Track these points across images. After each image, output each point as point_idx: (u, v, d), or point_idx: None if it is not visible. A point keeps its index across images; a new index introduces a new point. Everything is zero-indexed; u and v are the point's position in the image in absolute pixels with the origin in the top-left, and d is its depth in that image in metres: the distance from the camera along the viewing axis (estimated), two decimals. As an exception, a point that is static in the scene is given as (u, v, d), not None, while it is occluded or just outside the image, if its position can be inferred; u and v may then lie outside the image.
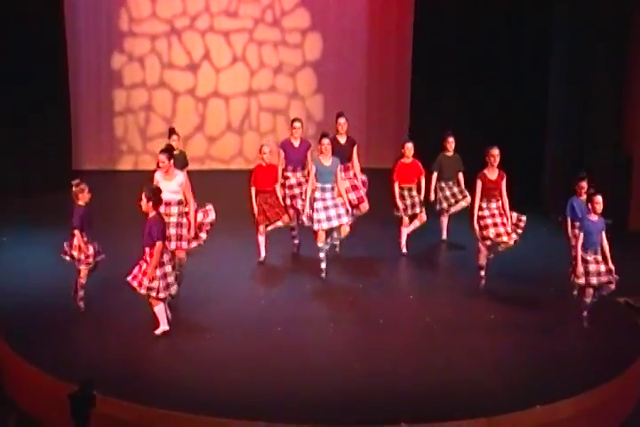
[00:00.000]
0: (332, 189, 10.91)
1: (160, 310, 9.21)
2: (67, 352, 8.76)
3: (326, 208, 10.78)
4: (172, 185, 9.92)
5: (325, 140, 10.97)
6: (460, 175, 12.72)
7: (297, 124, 11.78)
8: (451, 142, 12.67)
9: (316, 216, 10.78)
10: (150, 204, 9.10)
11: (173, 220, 9.92)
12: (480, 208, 10.52)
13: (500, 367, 8.76)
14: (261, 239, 11.61)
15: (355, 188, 11.72)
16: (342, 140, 11.76)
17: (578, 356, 8.99)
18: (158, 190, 9.33)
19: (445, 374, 8.47)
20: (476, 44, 15.74)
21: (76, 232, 9.63)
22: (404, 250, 12.19)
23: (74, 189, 9.72)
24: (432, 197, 12.57)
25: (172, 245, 9.84)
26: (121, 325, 9.43)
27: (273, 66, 17.64)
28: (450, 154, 12.68)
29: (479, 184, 10.55)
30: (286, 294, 10.62)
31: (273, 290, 10.81)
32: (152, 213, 9.13)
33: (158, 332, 9.22)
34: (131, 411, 7.70)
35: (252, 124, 17.70)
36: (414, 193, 12.14)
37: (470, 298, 10.36)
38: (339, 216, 10.81)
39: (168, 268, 9.18)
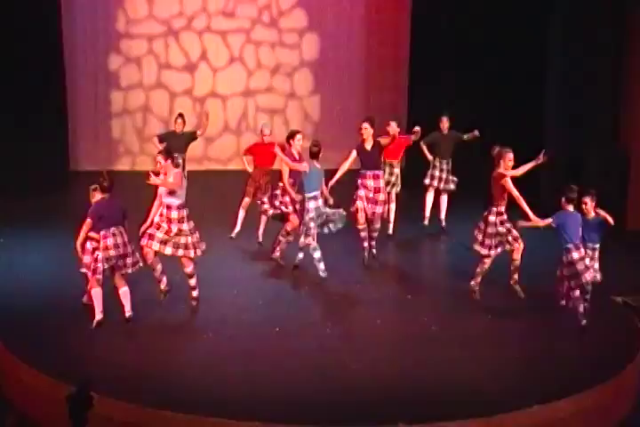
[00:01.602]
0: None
1: (96, 294, 9.20)
2: (64, 353, 8.74)
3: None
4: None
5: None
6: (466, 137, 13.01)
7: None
8: (444, 122, 12.99)
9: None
10: (94, 190, 9.23)
11: (174, 227, 9.54)
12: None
13: (498, 367, 8.75)
14: (241, 213, 12.32)
15: (383, 202, 11.36)
16: (368, 146, 11.29)
17: (575, 355, 8.97)
18: (108, 176, 9.32)
19: (443, 375, 8.46)
20: (474, 43, 15.77)
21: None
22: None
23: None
24: (429, 157, 13.01)
25: (180, 253, 9.59)
26: (118, 325, 9.40)
27: (270, 66, 17.65)
28: (444, 132, 12.89)
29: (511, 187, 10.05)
30: (284, 295, 10.61)
31: (271, 290, 10.78)
32: (96, 198, 9.24)
33: (94, 325, 9.19)
34: (128, 411, 7.69)
35: (250, 124, 17.69)
36: (395, 170, 12.51)
37: (468, 298, 10.35)
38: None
39: (112, 252, 9.16)
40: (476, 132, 12.87)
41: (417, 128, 12.05)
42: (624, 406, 8.75)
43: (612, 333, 9.52)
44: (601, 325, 9.61)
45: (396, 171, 12.65)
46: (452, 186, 13.06)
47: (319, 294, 10.68)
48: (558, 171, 14.43)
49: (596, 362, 8.80)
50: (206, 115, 13.21)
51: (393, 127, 12.41)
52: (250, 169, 12.42)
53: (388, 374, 8.46)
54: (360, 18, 17.61)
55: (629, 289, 10.67)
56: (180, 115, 13.19)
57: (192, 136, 13.09)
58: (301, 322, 9.79)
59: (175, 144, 12.58)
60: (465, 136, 13.00)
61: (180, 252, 9.61)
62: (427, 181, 13.02)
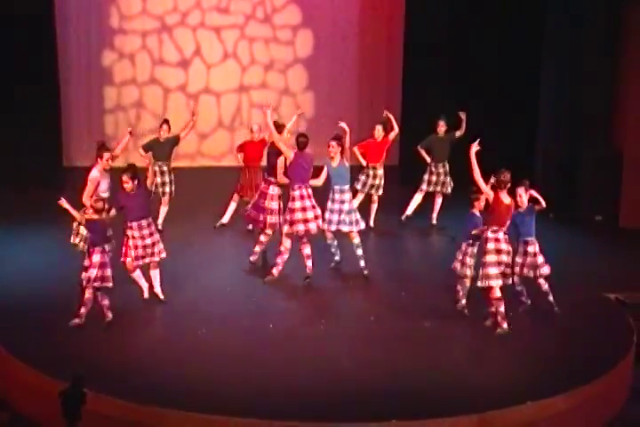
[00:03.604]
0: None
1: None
2: (58, 350, 8.73)
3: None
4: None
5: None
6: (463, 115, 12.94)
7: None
8: (441, 125, 12.97)
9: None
10: None
11: None
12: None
13: (491, 364, 8.78)
14: (232, 205, 12.51)
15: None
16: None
17: (568, 352, 8.99)
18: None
19: (436, 371, 8.48)
20: (469, 42, 15.77)
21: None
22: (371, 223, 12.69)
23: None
24: (428, 160, 12.99)
25: None
26: (114, 323, 9.38)
27: (264, 62, 17.63)
28: (441, 135, 12.89)
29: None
30: (278, 292, 10.61)
31: (265, 287, 10.77)
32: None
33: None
34: (121, 408, 7.69)
35: (244, 120, 17.67)
36: (378, 172, 12.60)
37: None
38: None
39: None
40: (461, 114, 12.90)
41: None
42: (617, 403, 8.79)
43: (605, 330, 9.55)
44: (593, 322, 9.64)
45: (380, 173, 12.69)
46: (448, 189, 13.03)
47: (313, 290, 10.67)
48: (552, 170, 14.47)
49: (589, 359, 8.82)
50: (193, 115, 12.79)
51: (379, 131, 12.55)
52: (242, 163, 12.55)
53: (382, 370, 8.47)
54: (354, 15, 17.59)
55: (622, 286, 10.70)
56: (166, 121, 12.61)
57: (175, 141, 12.53)
58: (295, 319, 9.82)
59: (160, 152, 12.37)
60: (457, 133, 12.95)
61: None
62: (423, 186, 13.02)
